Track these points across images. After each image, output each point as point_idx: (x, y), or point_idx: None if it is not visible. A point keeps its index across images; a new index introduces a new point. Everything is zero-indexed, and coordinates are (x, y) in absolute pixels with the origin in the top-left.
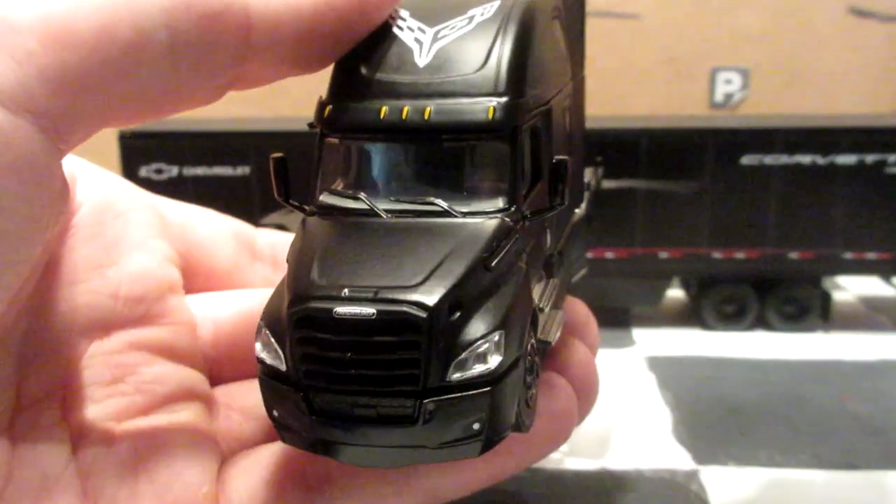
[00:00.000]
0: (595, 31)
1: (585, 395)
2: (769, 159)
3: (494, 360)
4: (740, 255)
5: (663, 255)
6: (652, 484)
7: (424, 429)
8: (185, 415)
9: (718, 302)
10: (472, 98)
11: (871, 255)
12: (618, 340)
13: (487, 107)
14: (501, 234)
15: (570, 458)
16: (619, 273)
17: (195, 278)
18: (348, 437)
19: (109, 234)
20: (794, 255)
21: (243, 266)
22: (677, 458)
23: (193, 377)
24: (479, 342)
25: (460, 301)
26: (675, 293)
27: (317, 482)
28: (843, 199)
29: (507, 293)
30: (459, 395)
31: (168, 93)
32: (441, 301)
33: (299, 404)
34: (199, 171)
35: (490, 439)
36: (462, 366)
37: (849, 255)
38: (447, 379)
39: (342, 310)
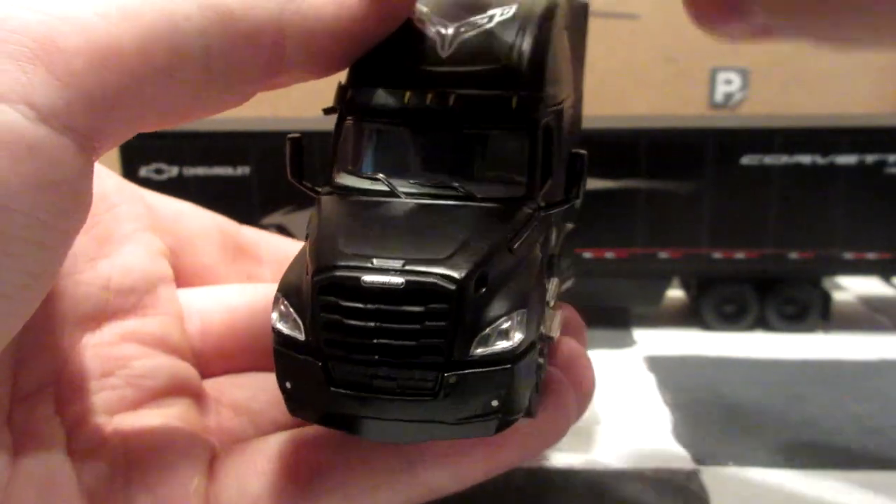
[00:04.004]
0: (595, 31)
1: (582, 392)
2: (769, 159)
3: (517, 338)
4: (740, 255)
5: (663, 255)
6: (652, 484)
7: (444, 403)
8: (175, 409)
9: (718, 302)
10: (493, 89)
11: (871, 255)
12: (618, 340)
13: (510, 98)
14: (522, 220)
15: (570, 457)
16: (619, 273)
17: (183, 272)
18: (366, 409)
19: (102, 227)
20: (794, 255)
21: (228, 261)
22: (677, 458)
23: (184, 370)
24: (502, 318)
25: (486, 278)
26: (675, 293)
27: (309, 475)
28: (843, 199)
29: (528, 276)
30: (482, 369)
31: (199, 104)
32: (469, 275)
33: (317, 374)
34: (199, 171)
35: (506, 418)
36: (485, 341)
37: (849, 255)
38: (471, 353)
39: (370, 278)
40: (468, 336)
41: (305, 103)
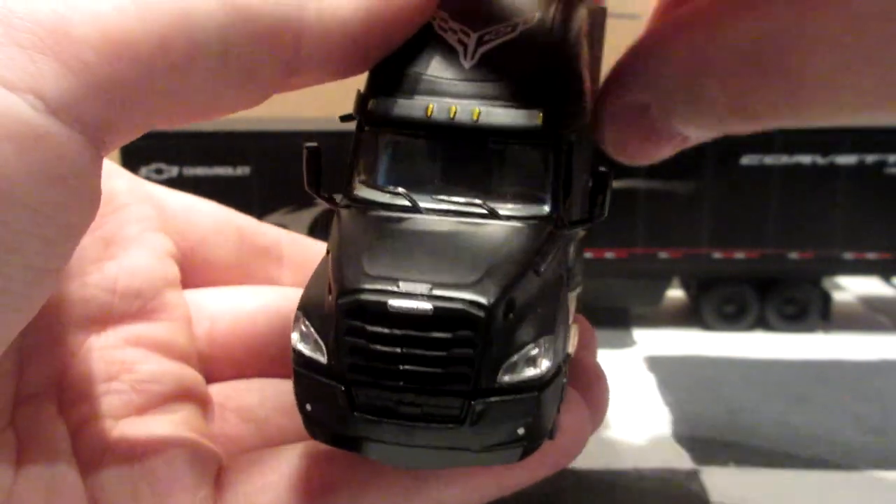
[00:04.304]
0: None
1: (597, 408)
2: (769, 159)
3: (544, 365)
4: (740, 255)
5: (663, 255)
6: (652, 484)
7: (470, 430)
8: (181, 415)
9: (718, 302)
10: (518, 103)
11: (871, 255)
12: (618, 340)
13: (537, 113)
14: (547, 240)
15: None
16: (619, 273)
17: (195, 273)
18: (389, 435)
19: (108, 228)
20: (794, 255)
21: (246, 262)
22: (677, 458)
23: (190, 376)
24: (530, 346)
25: (513, 303)
26: (675, 293)
27: (321, 490)
28: (843, 199)
29: (554, 299)
30: (510, 397)
31: (213, 102)
32: (498, 301)
33: (340, 399)
34: (199, 171)
35: (531, 445)
36: (513, 368)
37: (849, 255)
38: (498, 381)
39: (397, 303)
40: (496, 363)
41: (306, 103)
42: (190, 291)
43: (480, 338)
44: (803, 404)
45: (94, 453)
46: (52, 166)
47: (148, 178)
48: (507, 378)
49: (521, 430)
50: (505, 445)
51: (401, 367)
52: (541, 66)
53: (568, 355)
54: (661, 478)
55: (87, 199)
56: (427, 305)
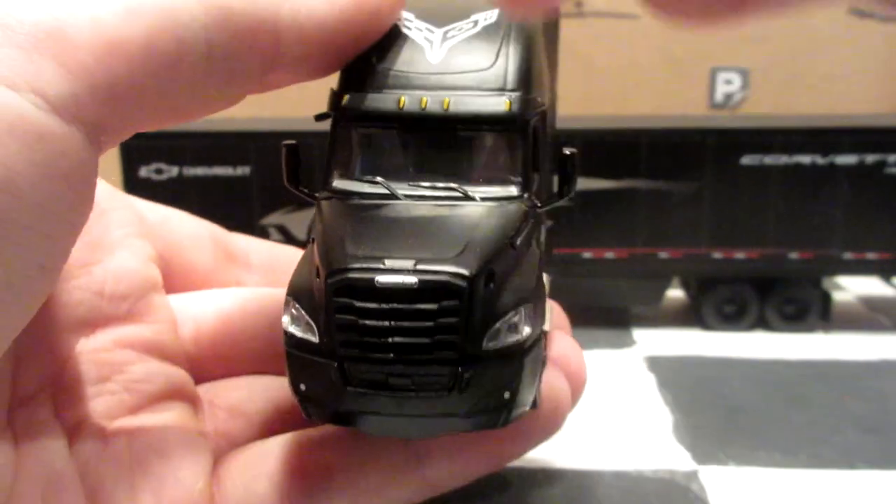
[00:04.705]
0: (595, 31)
1: (576, 383)
2: (769, 159)
3: (525, 331)
4: (740, 255)
5: (663, 255)
6: (652, 484)
7: (459, 397)
8: (173, 413)
9: (718, 302)
10: (485, 91)
11: (871, 255)
12: (618, 340)
13: (504, 100)
14: (520, 217)
15: (570, 457)
16: (619, 273)
17: (173, 278)
18: (382, 407)
19: (94, 233)
20: (794, 255)
21: (220, 268)
22: (677, 458)
23: (179, 375)
24: (511, 313)
25: (493, 274)
26: (675, 293)
27: (318, 474)
28: (843, 199)
29: (530, 270)
30: (495, 362)
31: (199, 100)
32: (479, 271)
33: (333, 375)
34: (199, 171)
35: (516, 410)
36: (496, 335)
37: (849, 255)
38: (483, 348)
39: (383, 279)
40: (480, 331)
41: (306, 104)
42: (173, 296)
43: (464, 306)
44: (803, 404)
45: (90, 453)
46: (55, 163)
47: (148, 178)
48: (491, 344)
49: (506, 395)
50: (493, 410)
51: (390, 340)
52: (504, 56)
53: (544, 330)
54: (661, 478)
55: (85, 197)
56: (412, 279)
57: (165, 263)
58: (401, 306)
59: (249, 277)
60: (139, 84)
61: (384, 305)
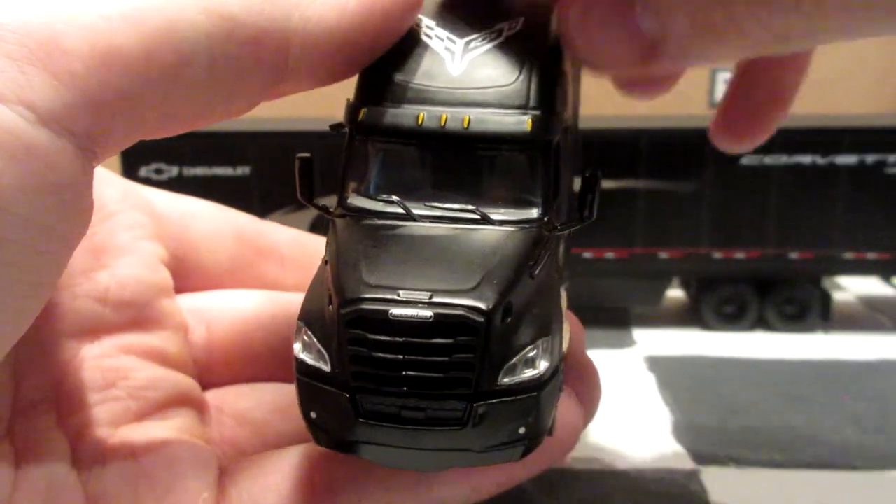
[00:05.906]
0: None
1: (590, 401)
2: (769, 159)
3: (542, 366)
4: (740, 255)
5: (663, 255)
6: (652, 484)
7: (472, 432)
8: (179, 420)
9: (718, 302)
10: (506, 109)
11: (871, 255)
12: (618, 340)
13: (526, 119)
14: (540, 244)
15: (570, 457)
16: (619, 273)
17: (190, 277)
18: (394, 439)
19: (98, 238)
20: (794, 255)
21: (244, 265)
22: (677, 458)
23: (185, 382)
24: (528, 348)
25: (511, 307)
26: (675, 293)
27: (324, 490)
28: (843, 199)
29: (549, 301)
30: (510, 398)
31: (202, 111)
32: (496, 305)
33: (344, 406)
34: (199, 171)
35: (532, 443)
36: (512, 370)
37: (849, 255)
38: (498, 383)
39: (398, 311)
40: (496, 366)
41: (306, 104)
42: (185, 296)
43: (480, 342)
44: (803, 404)
45: (94, 460)
46: (43, 177)
47: (148, 178)
48: (507, 380)
49: (522, 430)
50: (507, 445)
51: (403, 374)
52: (527, 72)
53: (563, 354)
54: (661, 478)
55: (79, 210)
56: (427, 313)
57: (179, 263)
58: (415, 340)
59: (282, 274)
60: (135, 94)
61: (398, 339)
